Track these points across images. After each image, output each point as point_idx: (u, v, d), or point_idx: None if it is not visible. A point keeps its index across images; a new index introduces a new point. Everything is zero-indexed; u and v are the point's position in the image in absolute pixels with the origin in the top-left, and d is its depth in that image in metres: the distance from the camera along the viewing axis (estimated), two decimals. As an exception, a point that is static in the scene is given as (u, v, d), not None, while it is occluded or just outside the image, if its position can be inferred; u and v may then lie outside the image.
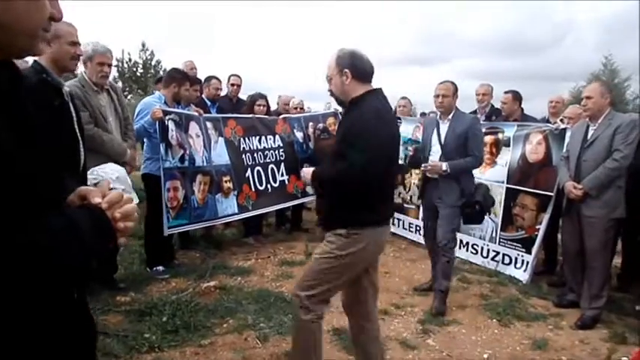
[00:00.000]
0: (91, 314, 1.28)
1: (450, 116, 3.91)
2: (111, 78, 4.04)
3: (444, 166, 3.78)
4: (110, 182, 1.02)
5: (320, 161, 5.62)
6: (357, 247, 2.34)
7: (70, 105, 2.55)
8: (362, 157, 2.24)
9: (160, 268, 4.29)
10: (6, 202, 0.77)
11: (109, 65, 3.64)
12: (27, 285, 0.80)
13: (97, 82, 3.53)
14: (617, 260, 4.61)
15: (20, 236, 0.77)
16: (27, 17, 0.87)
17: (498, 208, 4.91)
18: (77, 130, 2.57)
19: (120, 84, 22.54)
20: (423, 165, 3.97)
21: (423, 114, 9.30)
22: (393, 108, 7.00)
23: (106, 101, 3.66)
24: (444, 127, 3.94)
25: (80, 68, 3.49)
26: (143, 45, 26.24)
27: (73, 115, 2.57)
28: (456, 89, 3.92)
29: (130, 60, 25.84)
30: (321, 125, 6.05)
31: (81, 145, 2.61)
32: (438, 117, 4.08)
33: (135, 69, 26.06)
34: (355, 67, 2.37)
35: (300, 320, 2.41)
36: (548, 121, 5.23)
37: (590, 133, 3.74)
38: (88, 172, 2.33)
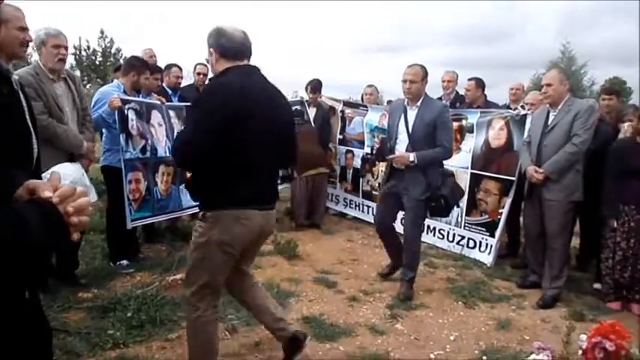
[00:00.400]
0: (44, 313, 1.22)
1: (418, 103, 3.71)
2: (68, 66, 3.85)
3: (412, 156, 3.64)
4: (60, 176, 0.96)
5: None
6: (214, 231, 2.22)
7: (20, 94, 2.39)
8: (188, 133, 2.19)
9: (124, 262, 4.17)
10: None
11: (66, 48, 3.46)
12: None
13: (54, 68, 3.34)
14: (576, 241, 4.79)
15: None
16: None
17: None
18: (29, 121, 2.43)
19: (78, 73, 21.70)
20: (389, 156, 3.88)
21: (389, 102, 9.36)
22: (360, 96, 7.02)
23: (63, 90, 3.48)
24: (411, 115, 3.74)
25: (34, 57, 3.32)
26: (102, 32, 25.35)
27: (24, 105, 2.42)
28: (425, 74, 3.74)
29: (88, 48, 24.94)
30: (295, 108, 6.01)
31: (33, 138, 2.47)
32: (405, 103, 3.85)
33: (94, 57, 25.17)
34: (221, 45, 2.26)
35: (189, 320, 2.38)
36: (509, 108, 5.34)
37: (551, 118, 3.84)
38: (44, 175, 2.18)
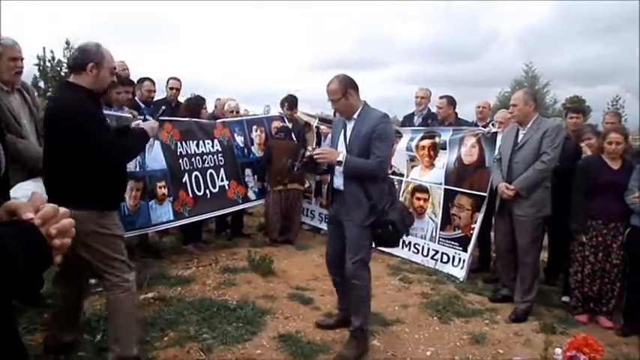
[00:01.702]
0: (20, 336, 1.16)
1: (355, 115, 3.20)
2: (31, 77, 3.68)
3: (341, 156, 3.10)
4: (43, 196, 0.92)
5: (272, 160, 5.56)
6: None
7: None
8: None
9: (93, 280, 4.02)
10: None
11: (22, 59, 3.29)
12: None
13: (10, 81, 3.17)
14: (544, 255, 4.91)
15: None
16: None
17: (438, 209, 5.10)
18: None
19: (42, 84, 21.05)
20: (311, 148, 3.48)
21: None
22: (333, 112, 7.07)
23: (19, 102, 3.30)
24: (349, 128, 3.26)
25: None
26: (67, 43, 24.68)
27: None
28: (346, 86, 3.15)
29: (53, 59, 24.25)
30: (280, 124, 6.07)
31: (2, 157, 2.34)
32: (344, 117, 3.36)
33: (59, 68, 24.48)
34: None
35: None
36: (476, 125, 5.50)
37: (520, 136, 3.97)
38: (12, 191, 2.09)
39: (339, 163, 3.10)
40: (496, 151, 4.49)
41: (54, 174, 2.59)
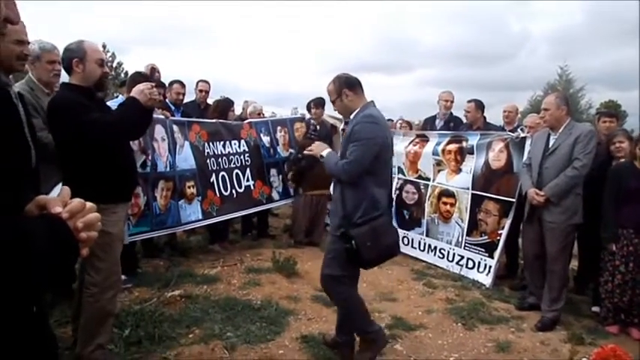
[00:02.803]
0: (51, 328, 1.22)
1: (352, 116, 3.02)
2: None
3: (325, 151, 3.03)
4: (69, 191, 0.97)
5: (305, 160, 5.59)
6: None
7: (20, 108, 2.37)
8: None
9: (122, 277, 4.13)
10: None
11: (60, 63, 3.45)
12: None
13: (48, 82, 3.30)
14: (574, 264, 4.79)
15: None
16: None
17: (464, 214, 5.04)
18: (28, 136, 2.41)
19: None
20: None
21: (389, 120, 9.45)
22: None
23: None
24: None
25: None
26: (104, 47, 25.49)
27: (23, 119, 2.40)
28: (343, 84, 2.94)
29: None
30: (304, 125, 6.15)
31: (33, 154, 2.44)
32: None
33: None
34: None
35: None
36: (503, 130, 5.41)
37: (552, 141, 3.89)
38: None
39: (321, 157, 3.04)
40: (525, 156, 4.41)
41: (64, 169, 2.65)
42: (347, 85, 2.94)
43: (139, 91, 2.67)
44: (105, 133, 2.59)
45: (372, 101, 3.00)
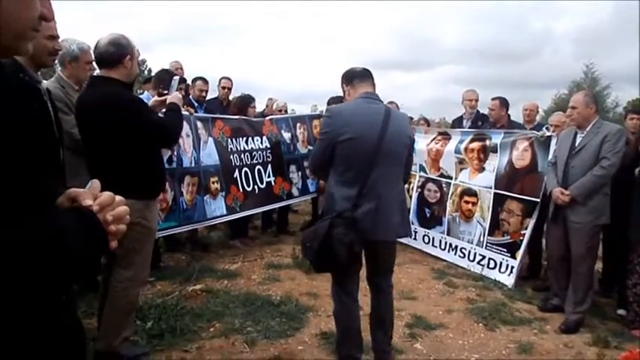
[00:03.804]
0: (80, 318, 1.24)
1: None
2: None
3: None
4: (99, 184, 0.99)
5: None
6: None
7: (49, 105, 2.42)
8: None
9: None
10: None
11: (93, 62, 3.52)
12: (6, 288, 0.76)
13: (82, 80, 3.36)
14: (599, 265, 4.69)
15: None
16: (16, 16, 0.84)
17: (487, 213, 4.98)
18: (56, 133, 2.44)
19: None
20: None
21: (411, 118, 9.40)
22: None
23: None
24: None
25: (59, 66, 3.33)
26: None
27: (52, 116, 2.44)
28: (343, 78, 2.86)
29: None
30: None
31: (61, 150, 2.48)
32: None
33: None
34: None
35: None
36: (524, 128, 5.31)
37: (578, 140, 3.81)
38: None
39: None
40: (550, 155, 4.33)
41: (99, 164, 2.60)
42: (345, 80, 2.86)
43: (178, 98, 2.88)
44: (163, 134, 2.73)
45: (368, 92, 2.74)
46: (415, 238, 5.64)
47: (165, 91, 3.27)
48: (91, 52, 3.40)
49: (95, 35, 3.11)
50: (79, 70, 3.34)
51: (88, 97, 2.66)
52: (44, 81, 3.15)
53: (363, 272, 2.89)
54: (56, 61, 3.03)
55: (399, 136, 2.68)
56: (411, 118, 8.71)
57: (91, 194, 0.97)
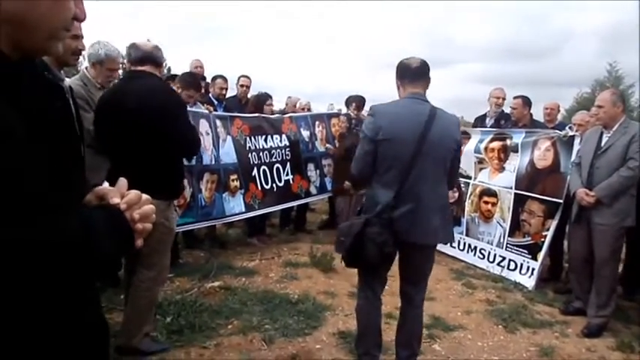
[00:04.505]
0: (103, 313, 1.25)
1: None
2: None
3: None
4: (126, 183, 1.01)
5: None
6: None
7: (71, 102, 2.44)
8: None
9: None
10: (15, 196, 0.74)
11: (117, 70, 3.53)
12: (33, 284, 0.76)
13: (103, 84, 3.39)
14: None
15: (29, 232, 0.74)
16: (51, 17, 0.84)
17: (507, 214, 4.90)
18: (78, 131, 2.45)
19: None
20: None
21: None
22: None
23: None
24: None
25: (83, 64, 3.38)
26: (148, 42, 26.21)
27: (74, 114, 2.45)
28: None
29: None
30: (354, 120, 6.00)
31: (82, 147, 2.49)
32: None
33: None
34: (128, 54, 2.82)
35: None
36: (545, 127, 5.22)
37: (604, 140, 3.72)
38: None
39: None
40: (573, 156, 4.24)
41: (124, 162, 2.55)
42: (398, 75, 2.73)
43: None
44: (193, 147, 2.90)
45: (415, 92, 2.65)
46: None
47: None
48: (120, 58, 3.42)
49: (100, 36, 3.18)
50: (100, 75, 3.35)
51: (131, 87, 2.69)
52: (66, 79, 3.22)
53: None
54: (80, 59, 3.08)
55: (442, 138, 2.58)
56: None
57: (119, 192, 0.97)
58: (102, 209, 0.94)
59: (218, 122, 4.86)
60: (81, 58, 3.54)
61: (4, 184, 0.72)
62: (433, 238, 2.69)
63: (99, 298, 1.23)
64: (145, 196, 1.00)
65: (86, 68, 3.42)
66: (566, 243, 4.59)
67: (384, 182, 2.60)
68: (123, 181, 1.02)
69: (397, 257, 2.71)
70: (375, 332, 2.80)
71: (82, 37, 2.61)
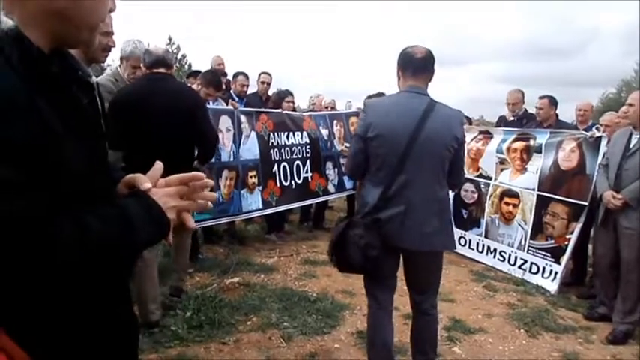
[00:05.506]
0: (132, 304, 1.25)
1: None
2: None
3: None
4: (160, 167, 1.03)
5: None
6: None
7: (98, 99, 2.48)
8: None
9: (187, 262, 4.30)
10: (53, 189, 0.74)
11: (139, 68, 3.57)
12: (72, 273, 0.77)
13: (125, 79, 3.46)
14: None
15: (67, 225, 0.75)
16: (94, 12, 0.86)
17: (529, 216, 4.81)
18: (103, 127, 2.47)
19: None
20: None
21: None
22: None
23: None
24: None
25: (115, 62, 3.46)
26: (170, 39, 26.57)
27: (100, 110, 2.50)
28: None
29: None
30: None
31: (106, 143, 2.52)
32: None
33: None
34: (143, 59, 3.20)
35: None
36: (576, 128, 5.10)
37: (634, 141, 3.61)
38: None
39: None
40: (599, 157, 4.14)
41: (141, 160, 2.62)
42: (399, 64, 2.49)
43: None
44: (213, 144, 3.23)
45: (413, 85, 2.43)
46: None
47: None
48: (141, 58, 3.45)
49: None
50: (126, 70, 3.44)
51: (156, 87, 2.94)
52: (94, 76, 3.26)
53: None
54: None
55: (439, 135, 2.36)
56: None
57: (150, 177, 0.97)
58: (136, 198, 0.93)
59: (243, 118, 4.88)
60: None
61: (45, 179, 0.72)
62: (427, 244, 2.42)
63: (130, 294, 1.23)
64: (184, 176, 1.01)
65: (119, 65, 3.50)
66: (590, 247, 4.48)
67: (375, 182, 2.45)
68: (159, 165, 1.02)
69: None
70: (381, 349, 2.59)
71: (113, 34, 2.62)
